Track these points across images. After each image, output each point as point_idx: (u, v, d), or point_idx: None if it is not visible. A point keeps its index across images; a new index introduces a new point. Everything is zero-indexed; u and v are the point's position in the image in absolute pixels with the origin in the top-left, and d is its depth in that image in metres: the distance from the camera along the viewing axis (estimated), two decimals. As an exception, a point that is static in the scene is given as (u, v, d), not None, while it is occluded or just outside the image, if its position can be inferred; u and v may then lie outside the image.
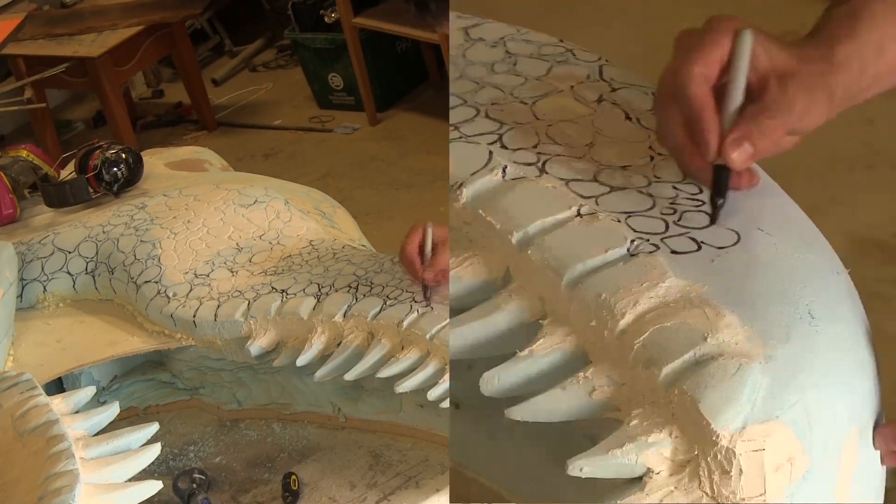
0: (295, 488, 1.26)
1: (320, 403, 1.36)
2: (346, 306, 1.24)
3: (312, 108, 4.21)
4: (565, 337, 0.78)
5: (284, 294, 1.30)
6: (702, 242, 0.79)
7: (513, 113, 0.93)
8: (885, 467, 0.79)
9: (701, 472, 0.68)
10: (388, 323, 1.20)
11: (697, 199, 0.83)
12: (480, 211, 0.84)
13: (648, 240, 0.79)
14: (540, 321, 0.80)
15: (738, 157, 0.76)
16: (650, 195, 0.83)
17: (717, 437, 0.67)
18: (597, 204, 0.82)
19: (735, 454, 0.67)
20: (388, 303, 1.22)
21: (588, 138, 0.90)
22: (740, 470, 0.67)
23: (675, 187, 0.84)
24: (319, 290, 1.29)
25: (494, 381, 0.78)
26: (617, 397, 0.74)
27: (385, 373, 1.19)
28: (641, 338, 0.72)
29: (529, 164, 0.86)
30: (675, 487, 0.69)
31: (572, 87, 0.97)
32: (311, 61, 4.10)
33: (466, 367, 0.90)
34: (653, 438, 0.69)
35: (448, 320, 1.16)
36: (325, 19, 3.95)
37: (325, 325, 1.25)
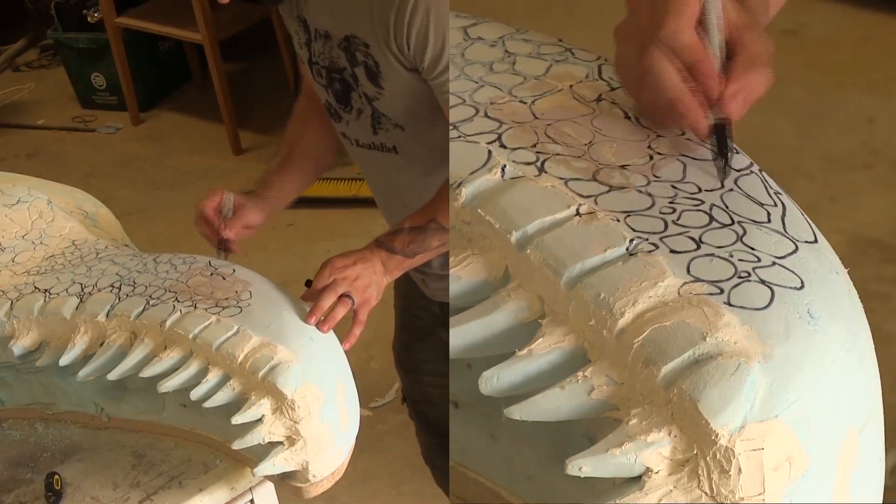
0: (58, 488, 1.28)
1: (83, 403, 1.38)
2: (108, 306, 1.26)
3: (75, 107, 4.25)
4: (564, 336, 0.78)
5: (47, 294, 1.31)
6: (701, 241, 0.78)
7: (512, 112, 0.93)
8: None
9: (700, 472, 0.68)
10: (151, 323, 1.22)
11: (696, 199, 0.83)
12: (479, 210, 0.83)
13: (647, 239, 0.79)
14: (539, 320, 0.80)
15: (736, 109, 0.81)
16: (649, 194, 0.83)
17: (717, 436, 0.67)
18: (596, 203, 0.82)
19: (734, 453, 0.67)
20: (150, 303, 1.24)
21: (587, 137, 0.90)
22: (739, 469, 0.67)
23: (674, 186, 0.84)
24: (82, 289, 1.30)
25: (493, 380, 0.78)
26: (616, 396, 0.74)
27: (148, 372, 1.21)
28: (640, 337, 0.72)
29: (528, 164, 0.86)
30: (675, 487, 0.69)
31: (571, 86, 0.96)
32: (74, 61, 4.16)
33: (465, 367, 0.90)
34: (652, 438, 0.69)
35: (210, 320, 1.17)
36: (88, 19, 4.00)
37: (88, 325, 1.26)
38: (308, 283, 1.28)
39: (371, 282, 1.29)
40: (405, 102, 1.33)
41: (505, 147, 0.88)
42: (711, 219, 0.81)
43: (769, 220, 0.81)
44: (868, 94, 3.13)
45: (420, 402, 1.75)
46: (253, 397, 1.15)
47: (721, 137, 0.82)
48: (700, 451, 0.68)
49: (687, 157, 0.86)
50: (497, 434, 0.93)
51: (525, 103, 0.94)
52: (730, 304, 0.73)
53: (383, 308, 1.42)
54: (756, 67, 0.81)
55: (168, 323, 1.21)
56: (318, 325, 1.23)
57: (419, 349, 1.68)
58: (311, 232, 3.30)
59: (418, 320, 1.65)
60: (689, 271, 0.76)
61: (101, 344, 1.26)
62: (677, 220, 0.81)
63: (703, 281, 0.75)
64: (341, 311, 1.26)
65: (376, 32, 1.26)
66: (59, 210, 1.52)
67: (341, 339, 1.27)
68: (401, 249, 1.32)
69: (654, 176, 0.85)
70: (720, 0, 0.81)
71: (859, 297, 0.81)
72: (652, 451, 0.69)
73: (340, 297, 1.26)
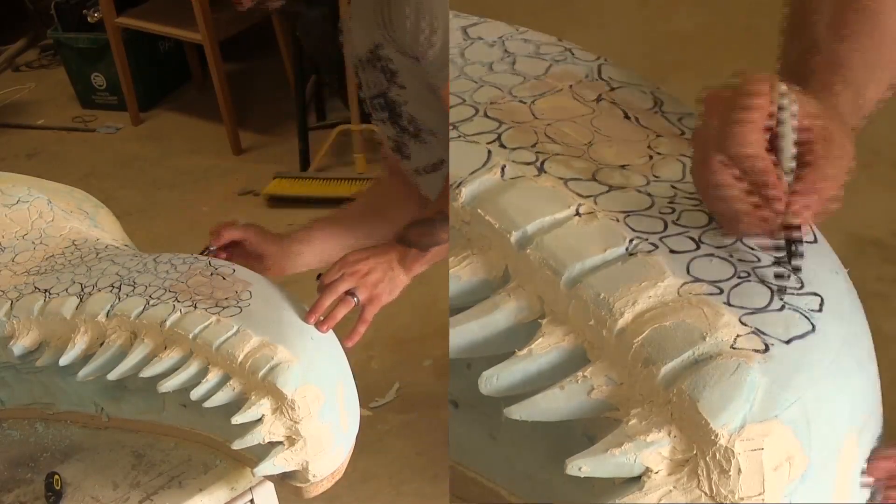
0: (58, 488, 1.27)
1: (83, 403, 1.37)
2: (108, 306, 1.25)
3: (75, 107, 4.25)
4: (564, 336, 0.78)
5: (47, 294, 1.31)
6: (701, 241, 0.79)
7: (511, 112, 0.93)
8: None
9: (700, 472, 0.68)
10: (151, 323, 1.22)
11: (696, 199, 0.83)
12: (479, 210, 0.84)
13: (647, 239, 0.79)
14: (539, 320, 0.80)
15: (804, 220, 0.77)
16: (649, 194, 0.83)
17: (716, 436, 0.67)
18: (595, 203, 0.82)
19: (734, 453, 0.67)
20: (150, 303, 1.23)
21: (587, 137, 0.90)
22: (739, 469, 0.67)
23: (673, 186, 0.84)
24: (82, 289, 1.29)
25: (493, 379, 0.78)
26: (615, 396, 0.74)
27: (148, 372, 1.21)
28: (640, 337, 0.72)
29: (528, 163, 0.86)
30: (674, 487, 0.69)
31: (571, 86, 0.97)
32: (74, 61, 4.16)
33: (465, 366, 0.90)
34: (651, 438, 0.69)
35: (210, 320, 1.18)
36: (88, 19, 4.00)
37: (88, 325, 1.26)
38: (319, 278, 1.27)
39: (384, 277, 1.26)
40: (425, 101, 1.31)
41: (504, 147, 0.88)
42: (711, 219, 0.81)
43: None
44: (868, 94, 3.12)
45: None
46: (253, 397, 1.15)
47: (788, 250, 0.77)
48: (700, 451, 0.68)
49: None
50: (497, 434, 0.93)
51: (525, 103, 0.94)
52: (729, 304, 0.73)
53: (385, 307, 1.42)
54: (826, 184, 0.76)
55: (168, 323, 1.21)
56: (317, 326, 1.22)
57: None
58: (310, 232, 3.29)
59: None
60: (688, 271, 0.76)
61: (101, 344, 1.26)
62: (677, 220, 0.81)
63: (702, 281, 0.75)
64: (342, 311, 1.25)
65: (379, 23, 1.25)
66: (59, 210, 1.52)
67: (342, 339, 1.27)
68: (416, 242, 1.29)
69: (654, 176, 0.85)
70: (797, 103, 0.77)
71: (859, 297, 0.81)
72: (651, 451, 0.69)
73: (346, 293, 1.25)
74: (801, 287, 0.76)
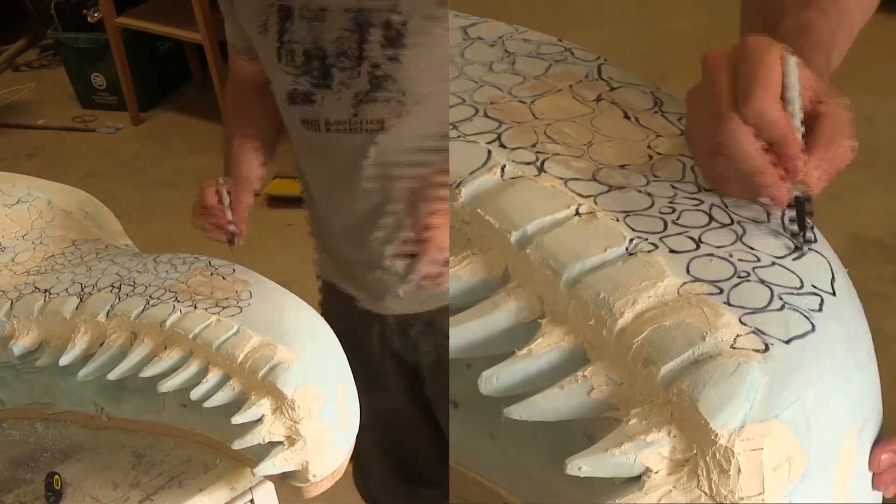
0: (58, 488, 1.28)
1: (83, 403, 1.38)
2: (108, 306, 1.26)
3: (75, 107, 4.26)
4: (564, 336, 0.78)
5: (47, 294, 1.31)
6: (701, 241, 0.79)
7: (511, 112, 0.93)
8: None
9: (699, 472, 0.68)
10: (151, 322, 1.22)
11: (696, 199, 0.83)
12: (479, 210, 0.84)
13: (647, 239, 0.79)
14: (538, 320, 0.80)
15: (819, 182, 0.79)
16: (649, 194, 0.83)
17: (716, 436, 0.67)
18: (595, 203, 0.82)
19: (733, 453, 0.67)
20: (150, 303, 1.24)
21: (587, 137, 0.90)
22: (739, 469, 0.67)
23: (673, 186, 0.84)
24: (82, 289, 1.30)
25: (493, 379, 0.78)
26: (615, 396, 0.74)
27: (148, 372, 1.21)
28: (640, 337, 0.72)
29: (528, 163, 0.86)
30: (674, 487, 0.69)
31: (571, 86, 0.97)
32: (74, 61, 4.17)
33: (465, 366, 0.90)
34: (651, 438, 0.69)
35: (210, 320, 1.18)
36: (88, 19, 4.01)
37: (88, 325, 1.26)
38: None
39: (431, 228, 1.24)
40: (429, 67, 1.27)
41: (504, 147, 0.88)
42: (711, 218, 0.81)
43: (769, 220, 0.81)
44: (867, 94, 3.13)
45: (387, 423, 1.64)
46: (253, 397, 1.15)
47: (801, 211, 0.79)
48: (699, 450, 0.68)
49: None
50: (497, 434, 0.93)
51: (525, 103, 0.94)
52: (729, 304, 0.73)
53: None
54: (839, 137, 0.78)
55: (168, 323, 1.21)
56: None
57: (373, 365, 1.58)
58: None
59: (365, 338, 1.56)
60: (688, 271, 0.76)
61: (101, 344, 1.26)
62: (677, 219, 0.81)
63: (702, 281, 0.75)
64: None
65: None
66: (59, 210, 1.52)
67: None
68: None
69: (654, 176, 0.85)
70: (799, 68, 0.78)
71: (859, 297, 0.81)
72: (651, 450, 0.69)
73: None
74: (801, 286, 0.76)
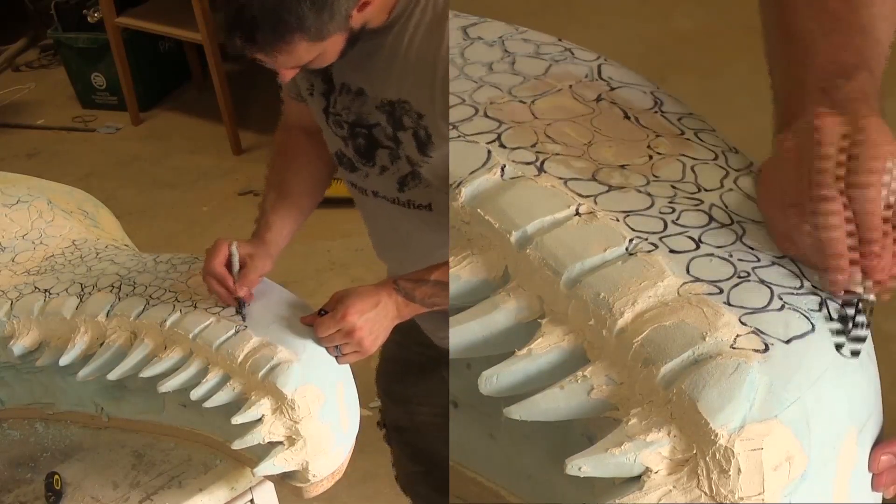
0: (58, 488, 1.28)
1: (83, 403, 1.38)
2: (108, 306, 1.26)
3: (75, 107, 4.25)
4: (564, 336, 0.78)
5: (47, 294, 1.31)
6: (700, 241, 0.79)
7: (511, 112, 0.93)
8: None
9: (699, 472, 0.68)
10: (151, 323, 1.22)
11: (696, 199, 0.83)
12: (479, 210, 0.84)
13: (647, 239, 0.79)
14: (538, 320, 0.80)
15: (886, 296, 0.76)
16: (648, 194, 0.83)
17: (716, 436, 0.67)
18: (595, 203, 0.82)
19: (733, 453, 0.67)
20: (150, 303, 1.24)
21: (586, 137, 0.90)
22: (739, 469, 0.67)
23: (673, 186, 0.84)
24: (82, 289, 1.30)
25: (493, 379, 0.78)
26: (615, 396, 0.74)
27: (148, 372, 1.22)
28: (640, 337, 0.72)
29: (528, 163, 0.86)
30: (674, 486, 0.69)
31: (571, 86, 0.96)
32: (74, 61, 4.16)
33: (465, 366, 0.90)
34: (651, 437, 0.69)
35: (210, 320, 1.18)
36: (88, 19, 4.00)
37: (88, 325, 1.27)
38: (321, 313, 1.21)
39: (379, 333, 1.22)
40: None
41: (504, 147, 0.88)
42: (711, 219, 0.81)
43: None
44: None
45: (407, 431, 1.62)
46: (253, 397, 1.15)
47: (856, 309, 0.76)
48: (699, 450, 0.68)
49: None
50: (496, 434, 0.93)
51: (524, 103, 0.94)
52: (729, 304, 0.73)
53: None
54: None
55: (168, 323, 1.21)
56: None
57: (414, 383, 1.57)
58: (311, 231, 3.29)
59: (415, 355, 1.54)
60: (688, 271, 0.76)
61: (101, 344, 1.26)
62: (677, 219, 0.81)
63: (702, 281, 0.75)
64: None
65: (435, 106, 1.18)
66: (59, 210, 1.53)
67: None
68: (421, 300, 1.24)
69: (654, 176, 0.85)
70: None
71: (859, 297, 0.81)
72: (651, 450, 0.69)
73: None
74: (801, 286, 0.76)
